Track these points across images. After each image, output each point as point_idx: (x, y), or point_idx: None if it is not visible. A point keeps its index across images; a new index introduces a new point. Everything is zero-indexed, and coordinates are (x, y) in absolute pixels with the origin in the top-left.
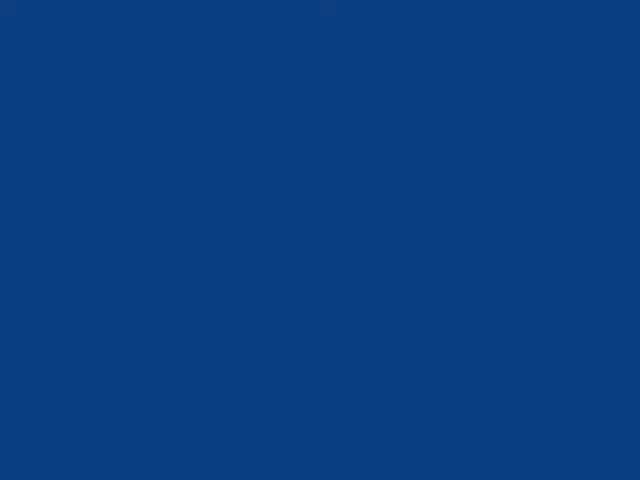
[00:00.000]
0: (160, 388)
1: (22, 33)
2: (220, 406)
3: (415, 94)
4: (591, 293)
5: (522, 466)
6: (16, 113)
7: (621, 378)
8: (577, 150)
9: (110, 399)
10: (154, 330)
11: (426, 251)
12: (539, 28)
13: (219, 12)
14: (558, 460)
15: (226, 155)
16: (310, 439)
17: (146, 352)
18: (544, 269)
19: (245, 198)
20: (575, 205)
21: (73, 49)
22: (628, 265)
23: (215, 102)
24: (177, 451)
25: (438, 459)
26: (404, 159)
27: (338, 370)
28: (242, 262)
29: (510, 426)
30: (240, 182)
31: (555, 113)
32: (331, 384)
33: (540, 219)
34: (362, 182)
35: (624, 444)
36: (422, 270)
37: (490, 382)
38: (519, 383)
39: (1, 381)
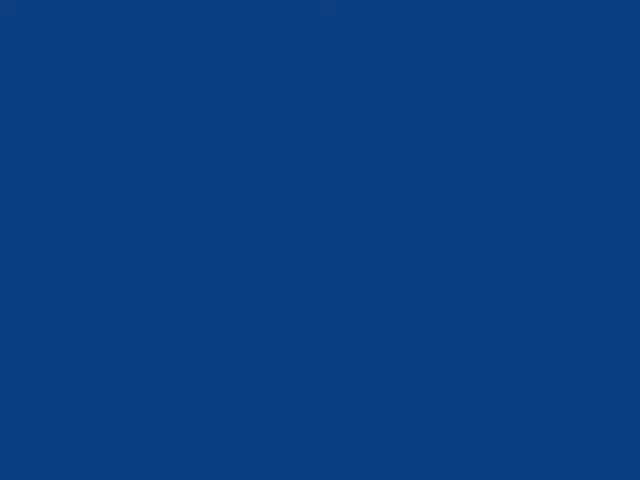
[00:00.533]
0: (160, 388)
1: (22, 33)
2: (220, 406)
3: (415, 94)
4: (591, 293)
5: (522, 466)
6: (16, 113)
7: (621, 378)
8: (577, 150)
9: (110, 399)
10: (154, 330)
11: (426, 251)
12: (539, 28)
13: (219, 12)
14: (558, 460)
15: (226, 154)
16: (310, 439)
17: (146, 352)
18: (544, 269)
19: (245, 198)
20: (575, 205)
21: (73, 49)
22: (628, 265)
23: (215, 101)
24: (177, 451)
25: (438, 459)
26: (404, 159)
27: (338, 370)
28: (242, 262)
29: (510, 426)
30: (240, 182)
31: (555, 113)
32: (331, 384)
33: (540, 219)
34: (362, 182)
35: (624, 444)
36: (422, 270)
37: (490, 382)
38: (519, 383)
39: (1, 381)
